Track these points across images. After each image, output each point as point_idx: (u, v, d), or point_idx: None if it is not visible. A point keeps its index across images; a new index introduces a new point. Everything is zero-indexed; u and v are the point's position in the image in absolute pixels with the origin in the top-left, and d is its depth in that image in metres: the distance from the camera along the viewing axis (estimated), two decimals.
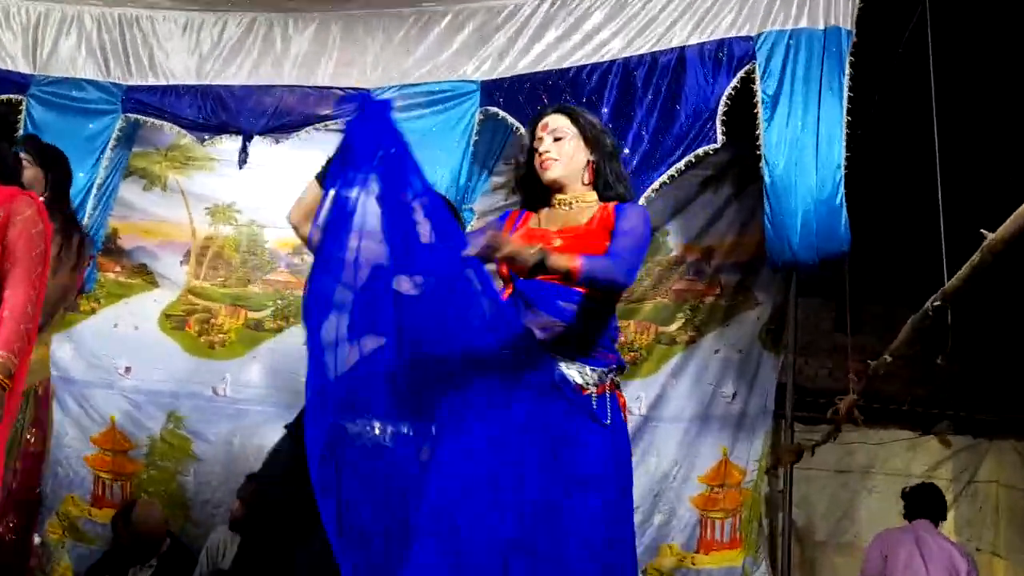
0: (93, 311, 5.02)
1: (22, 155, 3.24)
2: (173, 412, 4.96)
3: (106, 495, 4.93)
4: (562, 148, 2.64)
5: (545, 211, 2.70)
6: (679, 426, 4.97)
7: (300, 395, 2.86)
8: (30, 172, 3.24)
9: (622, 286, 2.51)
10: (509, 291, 2.57)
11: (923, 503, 5.16)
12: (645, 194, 3.82)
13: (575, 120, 2.68)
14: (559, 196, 2.66)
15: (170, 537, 4.66)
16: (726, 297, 5.01)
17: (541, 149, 2.65)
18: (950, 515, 6.41)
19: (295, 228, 3.17)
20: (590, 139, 2.67)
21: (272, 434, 4.79)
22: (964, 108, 4.21)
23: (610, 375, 2.53)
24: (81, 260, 3.31)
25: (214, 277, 5.12)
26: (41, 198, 3.04)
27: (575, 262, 2.35)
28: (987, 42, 4.28)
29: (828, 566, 6.27)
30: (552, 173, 2.63)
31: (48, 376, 3.38)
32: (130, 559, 4.54)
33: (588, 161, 2.66)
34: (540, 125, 2.68)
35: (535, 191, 2.71)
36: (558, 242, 2.53)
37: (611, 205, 2.62)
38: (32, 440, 3.18)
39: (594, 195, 2.67)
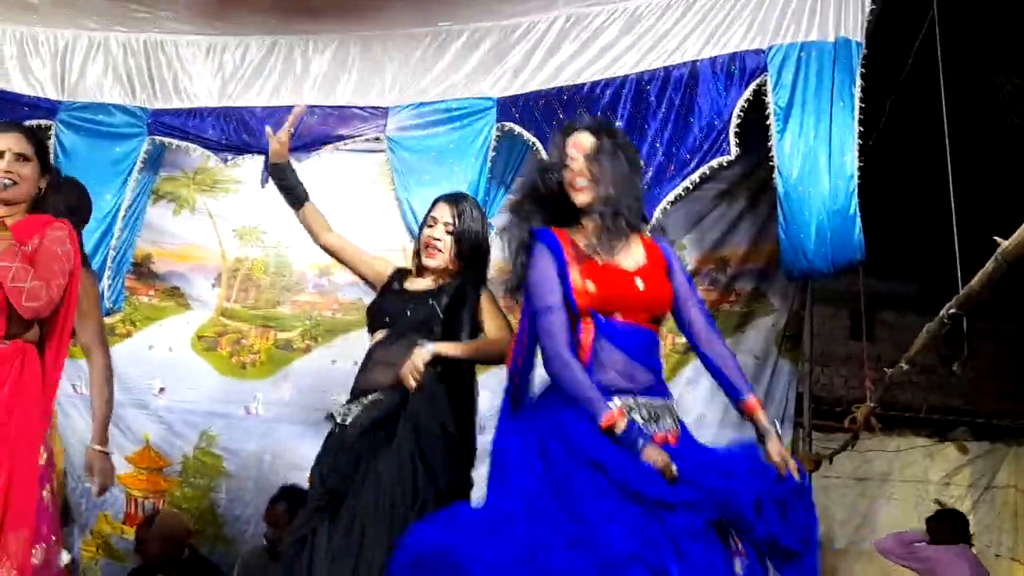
0: (129, 334, 5.14)
1: (15, 145, 2.99)
2: (206, 431, 5.05)
3: (138, 512, 5.02)
4: (590, 174, 2.56)
5: (587, 232, 2.59)
6: (696, 433, 4.98)
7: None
8: (25, 171, 3.02)
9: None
10: (590, 332, 2.51)
11: (962, 527, 5.28)
12: (660, 206, 3.86)
13: (602, 138, 2.60)
14: (593, 218, 2.58)
15: (190, 549, 4.71)
16: (741, 304, 5.03)
17: (576, 168, 2.58)
18: (968, 520, 6.44)
19: (329, 250, 3.50)
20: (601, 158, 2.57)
21: (301, 451, 4.91)
22: (975, 116, 4.26)
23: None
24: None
25: (244, 299, 5.22)
26: (9, 196, 2.94)
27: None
28: (996, 50, 4.33)
29: (848, 574, 6.28)
30: (585, 197, 2.56)
31: None
32: (152, 569, 4.60)
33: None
34: (570, 142, 2.61)
35: (559, 207, 2.62)
36: (641, 284, 2.53)
37: (649, 238, 2.66)
38: None
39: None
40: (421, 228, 3.33)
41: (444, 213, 3.24)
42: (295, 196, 3.41)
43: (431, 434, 2.97)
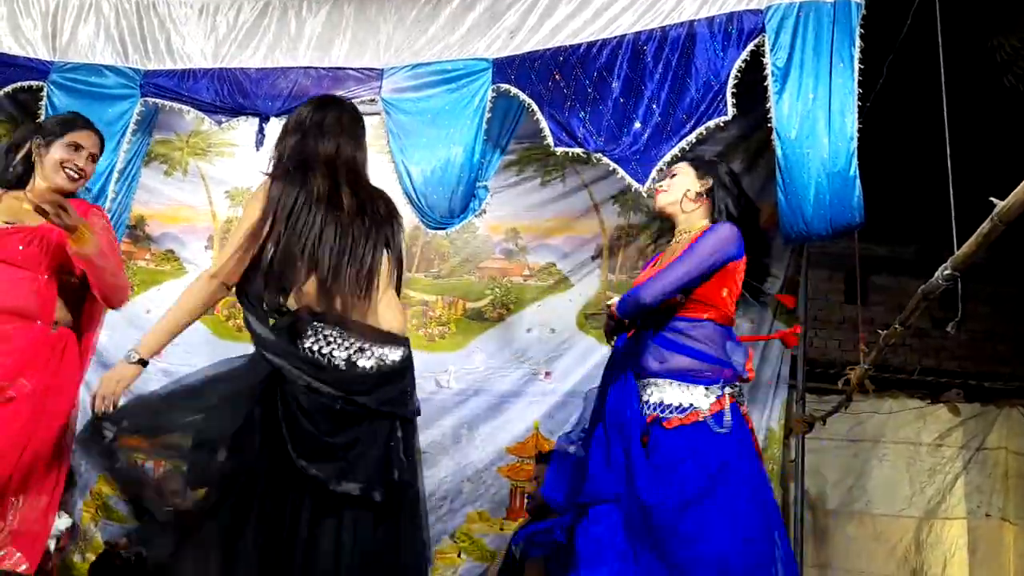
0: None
1: (91, 145, 3.23)
2: None
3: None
4: (673, 181, 3.06)
5: (669, 246, 3.07)
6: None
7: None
8: (89, 169, 3.25)
9: (644, 306, 2.80)
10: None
11: None
12: (656, 167, 3.85)
13: (693, 161, 3.14)
14: (676, 230, 3.05)
15: None
16: None
17: (660, 184, 3.12)
18: (960, 481, 6.48)
19: None
20: (701, 167, 3.07)
21: None
22: (972, 77, 4.24)
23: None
24: None
25: None
26: (75, 189, 3.20)
27: (613, 303, 2.83)
28: (994, 11, 4.30)
29: (840, 534, 6.33)
30: (657, 202, 3.08)
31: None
32: None
33: (697, 191, 3.01)
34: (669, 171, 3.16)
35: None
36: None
37: (700, 234, 2.90)
38: None
39: (704, 223, 2.99)
40: None
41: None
42: None
43: None
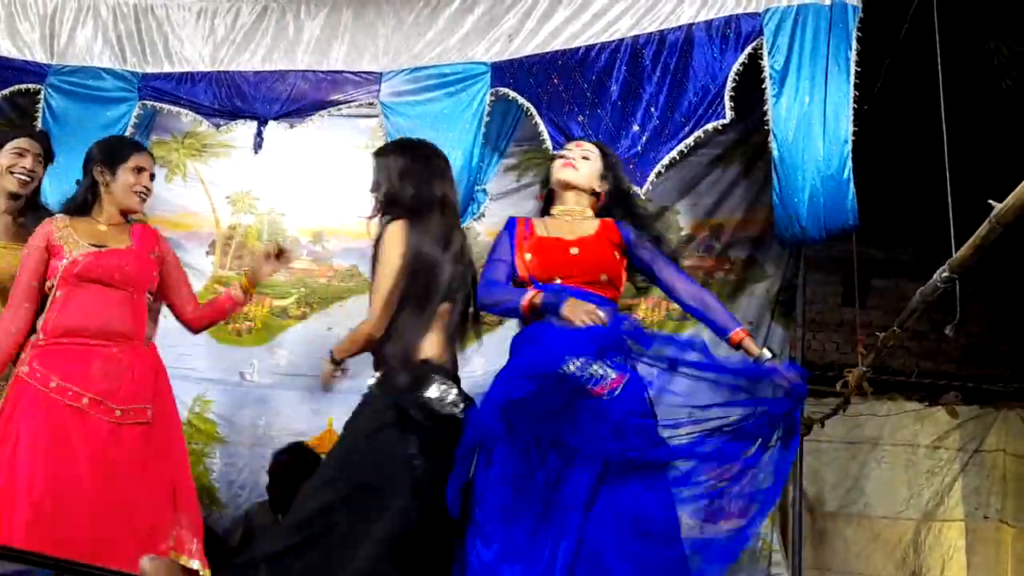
0: None
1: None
2: (200, 397, 5.04)
3: None
4: (584, 164, 3.10)
5: (547, 220, 3.10)
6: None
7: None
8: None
9: None
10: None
11: None
12: (655, 170, 3.85)
13: (603, 152, 3.18)
14: (561, 207, 3.10)
15: None
16: (735, 271, 5.02)
17: (567, 154, 3.13)
18: (958, 483, 6.50)
19: None
20: (607, 166, 3.13)
21: (296, 417, 4.94)
22: (970, 80, 4.25)
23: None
24: None
25: (239, 266, 5.19)
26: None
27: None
28: (992, 15, 4.31)
29: (838, 536, 6.35)
30: (566, 175, 3.09)
31: None
32: None
33: (600, 190, 3.10)
34: (575, 143, 3.23)
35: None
36: (575, 250, 2.94)
37: (611, 222, 3.06)
38: None
39: (590, 213, 3.11)
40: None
41: None
42: None
43: None
